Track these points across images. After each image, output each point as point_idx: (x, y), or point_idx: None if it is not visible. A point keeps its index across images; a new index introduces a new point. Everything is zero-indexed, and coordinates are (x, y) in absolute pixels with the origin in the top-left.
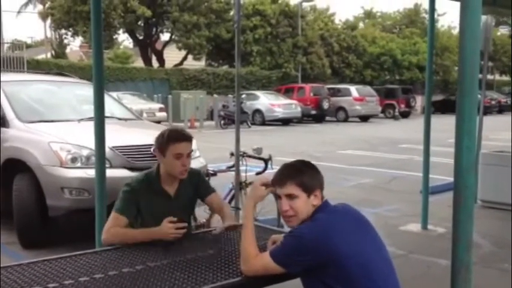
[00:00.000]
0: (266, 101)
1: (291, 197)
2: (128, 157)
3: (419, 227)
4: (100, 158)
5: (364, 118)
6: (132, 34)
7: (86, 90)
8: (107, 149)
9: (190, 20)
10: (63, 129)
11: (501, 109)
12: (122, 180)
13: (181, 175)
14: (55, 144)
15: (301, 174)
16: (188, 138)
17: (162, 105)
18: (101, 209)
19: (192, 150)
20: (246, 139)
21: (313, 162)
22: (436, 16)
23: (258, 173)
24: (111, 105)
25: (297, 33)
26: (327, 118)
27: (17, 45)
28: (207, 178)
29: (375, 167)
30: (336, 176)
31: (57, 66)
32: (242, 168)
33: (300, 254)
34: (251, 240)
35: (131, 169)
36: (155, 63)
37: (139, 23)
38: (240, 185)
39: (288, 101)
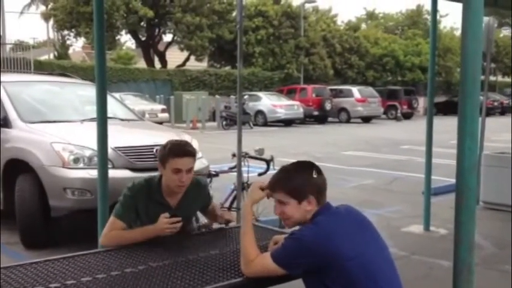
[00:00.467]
0: (268, 102)
1: (281, 202)
2: (130, 158)
3: (422, 228)
4: (102, 159)
5: (366, 119)
6: (134, 35)
7: (88, 91)
8: (110, 150)
9: (192, 21)
10: (65, 130)
11: (503, 110)
12: (124, 180)
13: (178, 190)
14: (57, 145)
15: (292, 181)
16: (190, 154)
17: (164, 106)
18: (103, 210)
19: (192, 167)
20: (248, 140)
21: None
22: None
23: (260, 174)
24: (113, 106)
25: (299, 34)
26: (329, 119)
27: (21, 46)
28: (209, 179)
29: (376, 168)
30: (337, 176)
31: (59, 67)
32: (244, 169)
33: (300, 255)
34: (251, 241)
35: (133, 170)
36: (157, 64)
37: (142, 24)
38: (242, 186)
39: (290, 102)
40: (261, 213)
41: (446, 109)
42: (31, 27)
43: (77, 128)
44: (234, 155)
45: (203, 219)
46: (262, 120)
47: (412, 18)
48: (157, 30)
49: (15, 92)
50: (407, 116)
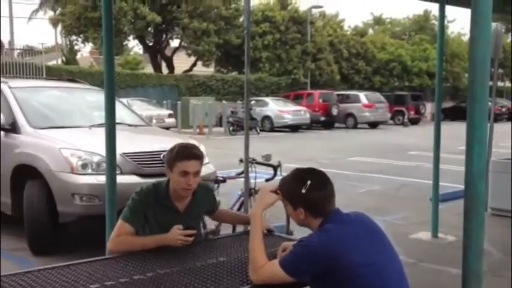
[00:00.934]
0: (275, 108)
1: (284, 202)
2: (138, 163)
3: (430, 235)
4: (110, 164)
5: (373, 125)
6: (142, 40)
7: (96, 97)
8: (118, 156)
9: (199, 27)
10: (74, 136)
11: (511, 116)
12: (132, 186)
13: (185, 193)
14: (66, 151)
15: (286, 186)
16: (197, 157)
17: (171, 112)
18: (111, 215)
19: (199, 170)
20: (255, 145)
21: (321, 169)
22: (445, 23)
23: (267, 180)
24: (121, 112)
25: (306, 40)
26: (336, 124)
27: (31, 51)
28: (216, 185)
29: (383, 174)
30: (344, 183)
31: (68, 72)
32: (251, 175)
33: (308, 262)
34: (260, 248)
35: (141, 175)
36: (165, 69)
37: (149, 29)
38: (250, 192)
39: (297, 107)
40: (268, 219)
41: (453, 115)
42: (39, 33)
43: (85, 134)
44: (241, 161)
45: (211, 226)
46: (269, 125)
47: (419, 24)
48: (164, 36)
49: (23, 97)
50: (414, 122)
